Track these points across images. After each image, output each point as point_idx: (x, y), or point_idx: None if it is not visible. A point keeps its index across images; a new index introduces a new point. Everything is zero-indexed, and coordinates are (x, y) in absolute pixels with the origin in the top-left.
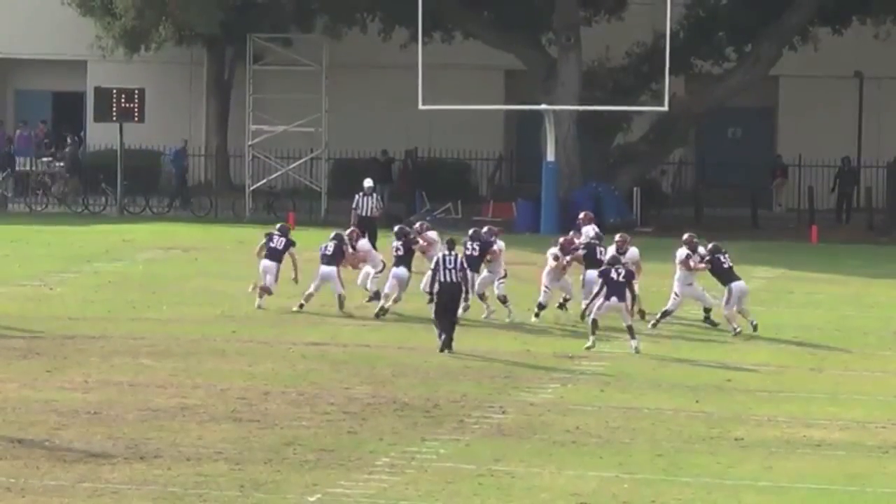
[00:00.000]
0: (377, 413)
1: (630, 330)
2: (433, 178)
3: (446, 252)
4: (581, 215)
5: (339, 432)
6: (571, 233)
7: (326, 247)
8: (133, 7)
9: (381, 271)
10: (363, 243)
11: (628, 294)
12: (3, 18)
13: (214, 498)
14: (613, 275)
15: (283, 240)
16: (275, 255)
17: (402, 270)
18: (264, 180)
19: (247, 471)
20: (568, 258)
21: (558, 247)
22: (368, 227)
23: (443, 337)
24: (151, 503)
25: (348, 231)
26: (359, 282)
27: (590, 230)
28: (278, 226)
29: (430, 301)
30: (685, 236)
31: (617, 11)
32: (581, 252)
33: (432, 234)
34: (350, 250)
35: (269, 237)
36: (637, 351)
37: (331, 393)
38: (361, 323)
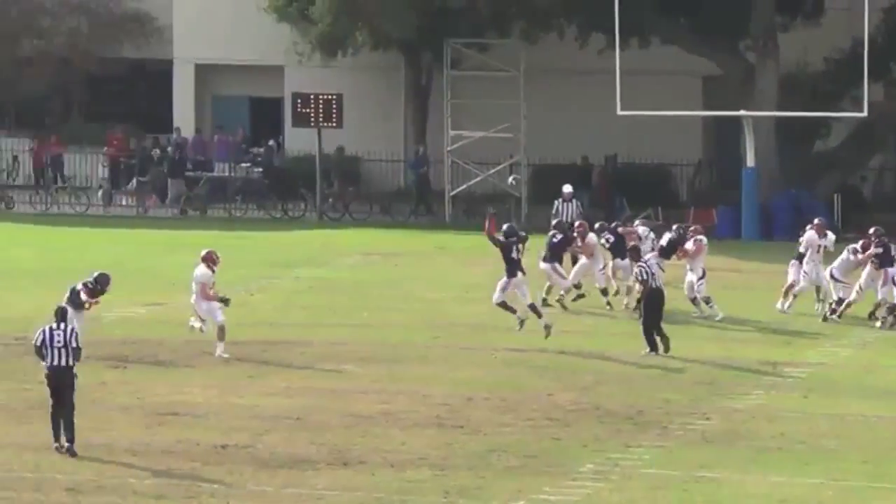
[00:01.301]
0: (580, 419)
1: None
2: (632, 184)
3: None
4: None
5: (542, 438)
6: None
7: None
8: (329, 13)
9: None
10: (591, 237)
11: None
12: (201, 25)
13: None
14: None
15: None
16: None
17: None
18: (463, 185)
19: (451, 477)
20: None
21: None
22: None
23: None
24: None
25: (577, 224)
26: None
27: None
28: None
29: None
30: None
31: (814, 17)
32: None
33: (593, 237)
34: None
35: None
36: None
37: (534, 399)
38: (564, 329)
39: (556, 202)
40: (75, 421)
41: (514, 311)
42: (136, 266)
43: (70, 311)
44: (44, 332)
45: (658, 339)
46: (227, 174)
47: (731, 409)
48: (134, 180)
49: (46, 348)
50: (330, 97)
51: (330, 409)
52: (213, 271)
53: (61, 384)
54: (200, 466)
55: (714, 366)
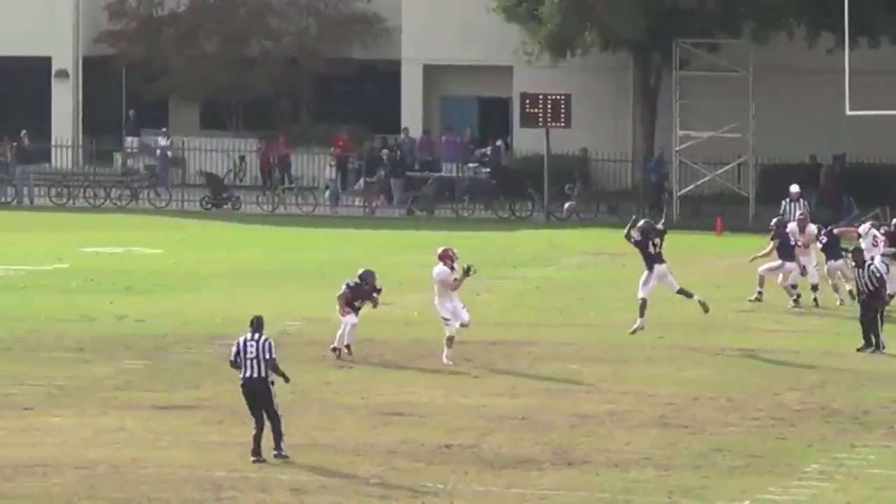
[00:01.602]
0: (806, 419)
1: None
2: (861, 184)
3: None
4: None
5: (767, 438)
6: None
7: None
8: (559, 13)
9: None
10: (811, 228)
11: None
12: (430, 26)
13: None
14: None
15: None
16: None
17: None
18: (691, 185)
19: (675, 476)
20: None
21: None
22: None
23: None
24: None
25: (799, 213)
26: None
27: None
28: None
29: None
30: None
31: None
32: None
33: (812, 228)
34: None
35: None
36: None
37: (759, 399)
38: (790, 329)
39: (783, 202)
40: (281, 423)
41: (642, 314)
42: (363, 266)
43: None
44: (238, 343)
45: (872, 336)
46: (454, 174)
47: None
48: (361, 181)
49: (241, 360)
50: (558, 97)
51: (555, 408)
52: (452, 268)
53: (256, 396)
54: (424, 467)
55: None
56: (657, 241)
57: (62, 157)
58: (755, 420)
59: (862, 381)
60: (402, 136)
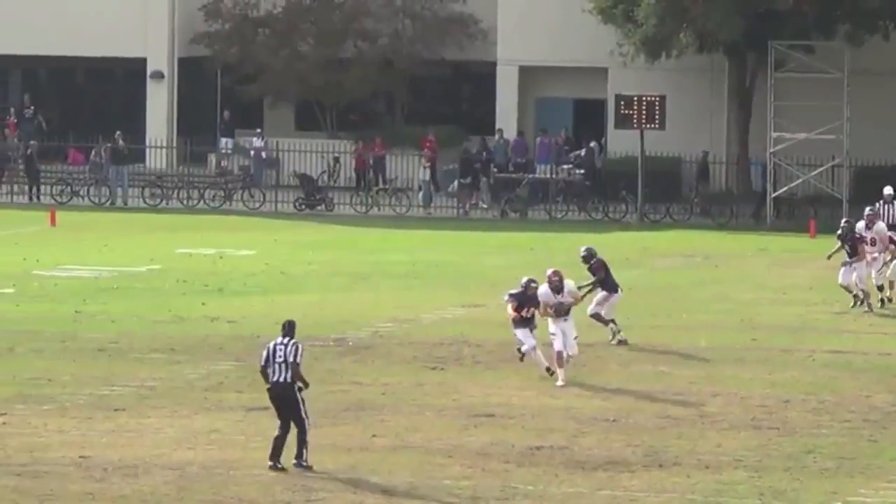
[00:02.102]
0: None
1: None
2: None
3: None
4: None
5: (859, 440)
6: None
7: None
8: (654, 15)
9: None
10: (880, 226)
11: None
12: (525, 27)
13: None
14: None
15: None
16: None
17: None
18: (785, 188)
19: (766, 479)
20: None
21: None
22: None
23: None
24: None
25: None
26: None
27: None
28: None
29: None
30: None
31: None
32: None
33: (881, 226)
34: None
35: None
36: None
37: (851, 401)
38: (883, 331)
39: (877, 204)
40: (307, 431)
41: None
42: (456, 267)
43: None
44: (268, 348)
45: None
46: (548, 176)
47: None
48: (455, 182)
49: (270, 364)
50: (653, 99)
51: (646, 410)
52: (559, 290)
53: (283, 401)
54: (515, 468)
55: None
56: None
57: (156, 158)
58: (846, 422)
59: None
60: (497, 137)
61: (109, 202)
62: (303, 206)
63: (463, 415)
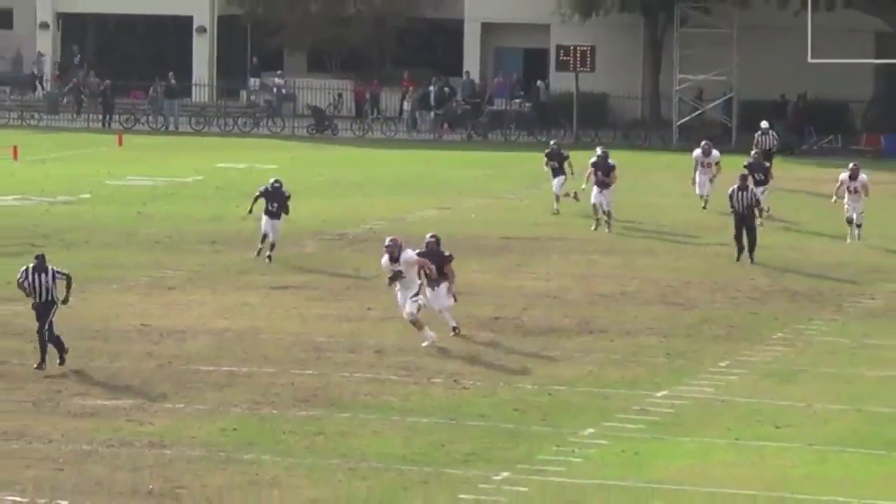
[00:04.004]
0: (773, 298)
1: None
2: (819, 116)
3: None
4: None
5: (744, 314)
6: None
7: None
8: None
9: None
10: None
11: None
12: None
13: (646, 363)
14: None
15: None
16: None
17: None
18: (687, 117)
19: (672, 342)
20: None
21: None
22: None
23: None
24: (597, 367)
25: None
26: None
27: None
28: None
29: None
30: None
31: None
32: None
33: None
34: None
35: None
36: None
37: (738, 283)
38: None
39: (755, 134)
40: None
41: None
42: (432, 178)
43: None
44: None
45: None
46: (504, 108)
47: (891, 291)
48: (431, 113)
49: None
50: (585, 48)
51: (580, 289)
52: (395, 259)
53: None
54: (477, 332)
55: (873, 259)
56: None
57: (200, 94)
58: (734, 299)
59: (816, 270)
60: (464, 77)
61: (164, 128)
62: (314, 132)
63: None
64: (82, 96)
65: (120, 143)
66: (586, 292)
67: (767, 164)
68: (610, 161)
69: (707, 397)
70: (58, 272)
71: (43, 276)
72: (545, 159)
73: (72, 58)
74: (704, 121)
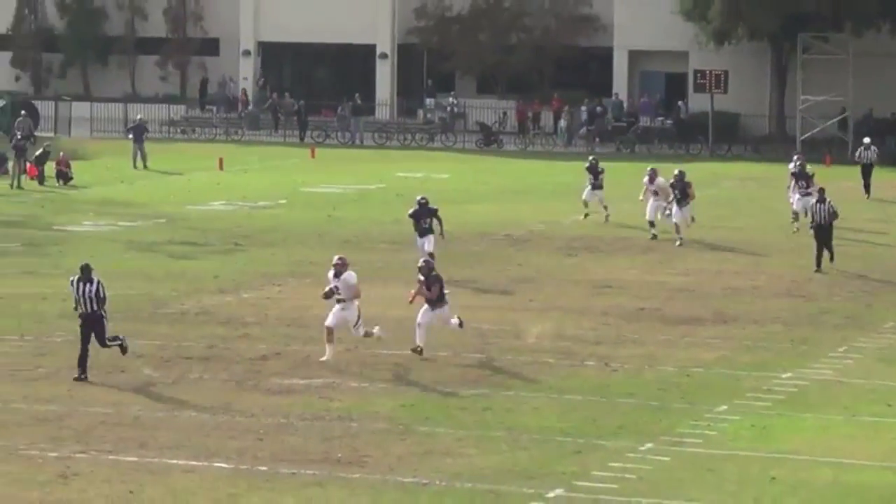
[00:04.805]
0: (885, 293)
1: None
2: None
3: None
4: None
5: (859, 305)
6: None
7: None
8: (720, 15)
9: None
10: None
11: None
12: (633, 23)
13: (773, 349)
14: None
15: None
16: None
17: None
18: (809, 133)
19: (795, 331)
20: None
21: None
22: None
23: None
24: (729, 352)
25: None
26: None
27: None
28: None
29: None
30: None
31: None
32: None
33: None
34: None
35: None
36: None
37: (853, 279)
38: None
39: (859, 148)
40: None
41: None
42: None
43: None
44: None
45: None
46: (649, 125)
47: None
48: (584, 128)
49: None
50: (720, 73)
51: (713, 282)
52: (335, 275)
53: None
54: (625, 323)
55: None
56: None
57: (383, 112)
58: (850, 293)
59: None
60: (613, 98)
61: (351, 142)
62: (482, 145)
63: (590, 286)
64: (279, 115)
65: (312, 156)
66: (720, 286)
67: (811, 174)
68: (686, 180)
69: (827, 378)
70: (103, 287)
71: (88, 286)
72: (586, 173)
73: (267, 82)
74: (824, 136)
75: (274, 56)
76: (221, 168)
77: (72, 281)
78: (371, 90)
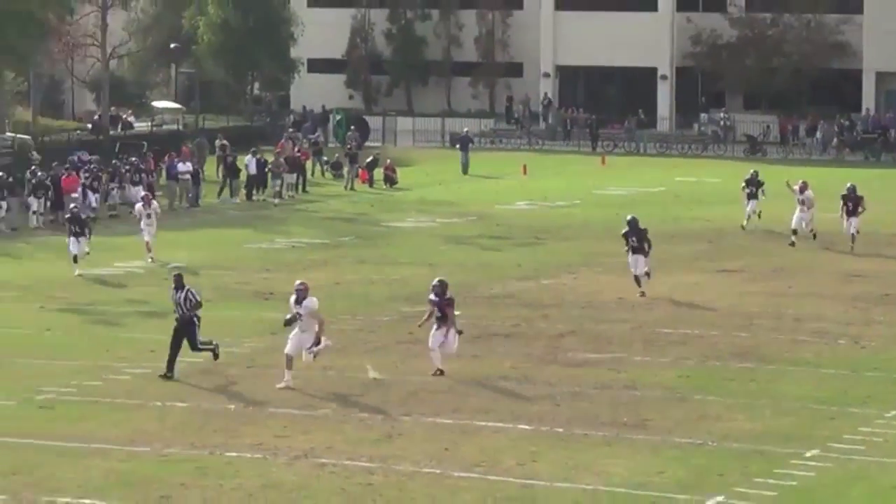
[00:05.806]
0: None
1: None
2: None
3: None
4: None
5: None
6: None
7: None
8: None
9: None
10: None
11: None
12: (882, 47)
13: None
14: None
15: None
16: None
17: None
18: None
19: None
20: None
21: None
22: None
23: None
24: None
25: None
26: None
27: None
28: None
29: None
30: None
31: None
32: None
33: None
34: None
35: None
36: None
37: None
38: None
39: None
40: None
41: None
42: (833, 187)
43: None
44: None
45: None
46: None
47: None
48: (835, 139)
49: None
50: None
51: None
52: (297, 302)
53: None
54: (873, 307)
55: None
56: None
57: (663, 125)
58: None
59: None
60: (863, 113)
61: (636, 151)
62: (748, 154)
63: (843, 274)
64: (570, 128)
65: (603, 163)
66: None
67: (861, 196)
68: (858, 193)
69: None
70: (192, 293)
71: (179, 292)
72: (743, 184)
73: (552, 101)
74: None
75: (569, 77)
76: (525, 173)
77: (172, 287)
78: (653, 106)
